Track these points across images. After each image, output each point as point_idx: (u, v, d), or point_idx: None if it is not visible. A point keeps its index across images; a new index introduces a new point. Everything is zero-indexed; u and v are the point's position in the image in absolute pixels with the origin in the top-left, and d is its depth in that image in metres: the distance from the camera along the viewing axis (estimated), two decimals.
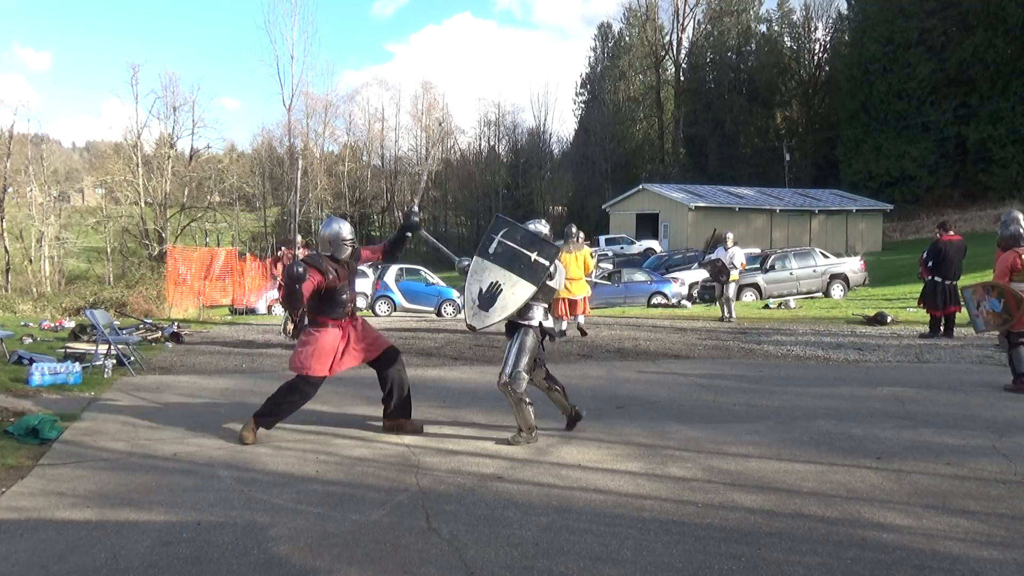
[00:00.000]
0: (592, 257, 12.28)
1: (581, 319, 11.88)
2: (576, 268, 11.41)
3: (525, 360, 5.01)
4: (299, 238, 13.84)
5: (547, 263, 4.92)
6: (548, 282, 5.04)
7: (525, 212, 64.77)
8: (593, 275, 12.14)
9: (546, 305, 5.24)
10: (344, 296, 5.27)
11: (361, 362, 5.44)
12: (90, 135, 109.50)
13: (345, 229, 5.36)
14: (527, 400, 5.04)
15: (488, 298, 4.87)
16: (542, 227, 5.32)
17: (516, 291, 4.87)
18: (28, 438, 5.10)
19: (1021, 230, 7.11)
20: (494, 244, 4.95)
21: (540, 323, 5.13)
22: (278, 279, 13.00)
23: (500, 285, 4.87)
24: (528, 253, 4.93)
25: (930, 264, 11.16)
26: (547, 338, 5.28)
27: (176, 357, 9.73)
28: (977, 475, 4.40)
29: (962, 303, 10.97)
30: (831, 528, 3.58)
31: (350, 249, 5.35)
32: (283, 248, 13.54)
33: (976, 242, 15.02)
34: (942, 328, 10.94)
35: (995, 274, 7.27)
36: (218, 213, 50.45)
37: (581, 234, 12.06)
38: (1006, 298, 6.98)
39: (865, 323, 12.91)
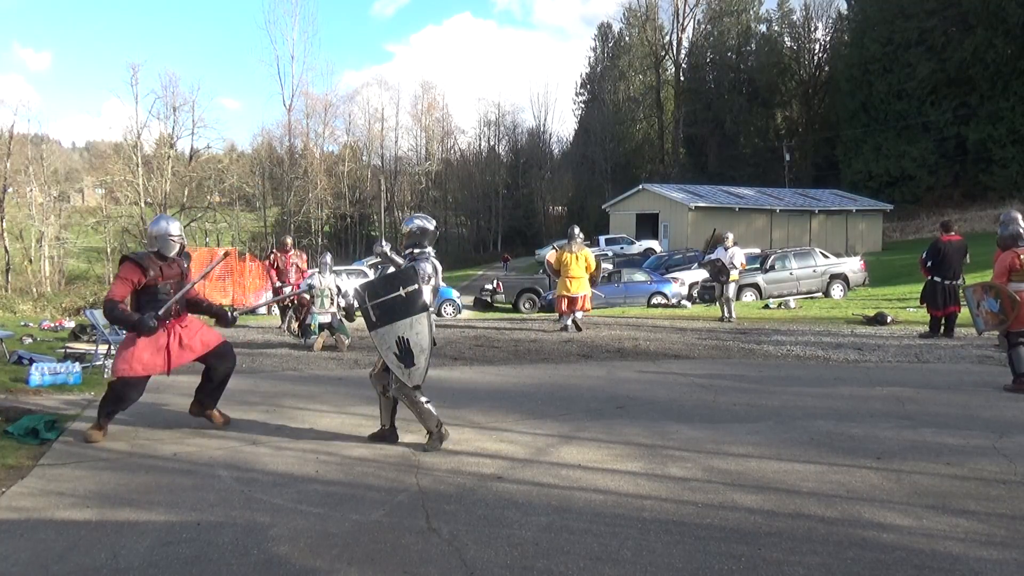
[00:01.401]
0: (592, 258, 12.66)
1: (579, 315, 12.25)
2: (577, 267, 11.98)
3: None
4: (288, 240, 13.76)
5: (414, 286, 4.83)
6: (426, 289, 4.96)
7: (525, 212, 65.01)
8: (599, 274, 12.67)
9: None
10: (167, 295, 5.27)
11: (195, 359, 5.47)
12: (90, 135, 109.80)
13: (173, 227, 5.39)
14: (420, 399, 4.96)
15: (406, 353, 4.79)
16: (421, 222, 5.30)
17: (418, 328, 4.79)
18: (28, 438, 5.10)
19: (1020, 230, 7.11)
20: (371, 314, 4.85)
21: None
22: (277, 281, 13.02)
23: (404, 337, 4.78)
24: (395, 295, 4.82)
25: (929, 264, 11.15)
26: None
27: None
28: (977, 475, 4.39)
29: (963, 303, 11.00)
30: (831, 528, 3.58)
31: (178, 247, 5.38)
32: (275, 252, 13.49)
33: (976, 242, 15.01)
34: (942, 328, 10.94)
35: (994, 274, 7.27)
36: (218, 213, 50.43)
37: (582, 235, 12.64)
38: (1002, 299, 7.00)
39: (865, 323, 12.91)
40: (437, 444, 4.96)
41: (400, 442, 5.20)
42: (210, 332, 5.64)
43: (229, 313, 5.94)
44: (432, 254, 5.28)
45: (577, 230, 12.65)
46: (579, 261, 12.08)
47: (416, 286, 4.83)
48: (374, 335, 4.87)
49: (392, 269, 5.29)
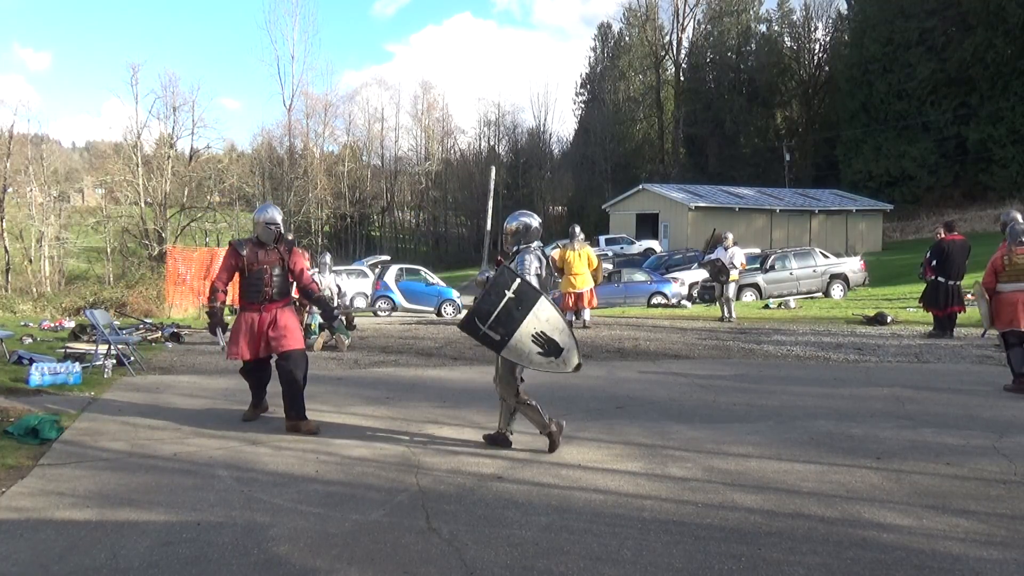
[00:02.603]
0: (594, 256, 13.06)
1: (587, 313, 12.62)
2: (580, 264, 12.36)
3: (512, 373, 4.87)
4: (290, 238, 13.53)
5: (516, 280, 4.69)
6: (532, 280, 4.82)
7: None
8: (602, 272, 12.94)
9: None
10: (264, 280, 5.62)
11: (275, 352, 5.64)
12: (90, 135, 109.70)
13: (270, 215, 5.75)
14: (528, 400, 4.91)
15: (549, 344, 4.65)
16: (526, 219, 5.17)
17: (544, 314, 4.64)
18: (28, 438, 5.10)
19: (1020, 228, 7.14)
20: (491, 336, 4.68)
21: None
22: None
23: (538, 331, 4.64)
24: (504, 300, 4.67)
25: (933, 264, 11.16)
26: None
27: (176, 357, 9.73)
28: (977, 475, 4.39)
29: (967, 303, 11.04)
30: (831, 528, 3.58)
31: (273, 234, 5.70)
32: None
33: (976, 242, 15.01)
34: (953, 326, 10.95)
35: (985, 273, 7.34)
36: (218, 213, 50.38)
37: (583, 234, 13.08)
38: (977, 300, 7.14)
39: (865, 323, 12.90)
40: (558, 441, 4.92)
41: (400, 441, 5.21)
42: (295, 334, 5.72)
43: (332, 309, 6.55)
44: (536, 248, 5.08)
45: (578, 229, 12.98)
46: (581, 259, 12.44)
47: (519, 279, 4.71)
48: (507, 353, 4.68)
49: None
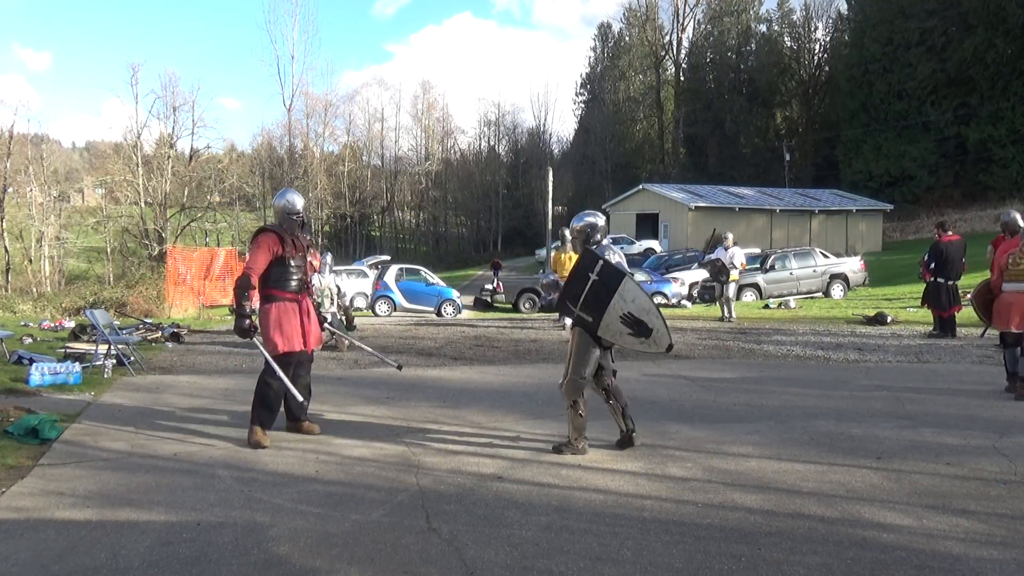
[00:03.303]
0: None
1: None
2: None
3: (585, 364, 4.79)
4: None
5: (599, 261, 4.74)
6: (611, 257, 4.85)
7: (525, 212, 64.95)
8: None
9: None
10: (297, 268, 5.32)
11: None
12: (90, 135, 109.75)
13: (294, 202, 5.42)
14: (580, 411, 4.83)
15: (638, 324, 4.65)
16: (591, 219, 5.19)
17: (631, 294, 4.65)
18: (28, 438, 5.10)
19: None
20: (585, 318, 4.75)
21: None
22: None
23: (626, 312, 4.65)
24: (589, 283, 4.74)
25: (932, 266, 11.17)
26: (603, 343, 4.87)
27: (176, 357, 9.73)
28: (977, 475, 4.39)
29: (964, 303, 11.05)
30: (831, 528, 3.58)
31: (298, 222, 5.41)
32: None
33: (976, 242, 15.02)
34: (955, 326, 10.96)
35: (992, 272, 7.33)
36: (218, 213, 50.38)
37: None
38: (974, 302, 7.17)
39: (865, 323, 12.91)
40: (566, 451, 4.86)
41: (400, 441, 5.20)
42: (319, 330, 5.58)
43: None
44: (607, 245, 5.08)
45: (567, 231, 12.64)
46: (573, 261, 12.09)
47: (601, 261, 4.75)
48: (602, 332, 4.76)
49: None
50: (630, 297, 4.67)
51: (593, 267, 4.75)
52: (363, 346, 6.93)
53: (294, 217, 5.41)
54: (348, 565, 3.19)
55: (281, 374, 5.07)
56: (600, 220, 5.22)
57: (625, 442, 5.02)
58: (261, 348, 5.27)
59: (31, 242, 43.61)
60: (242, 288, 5.06)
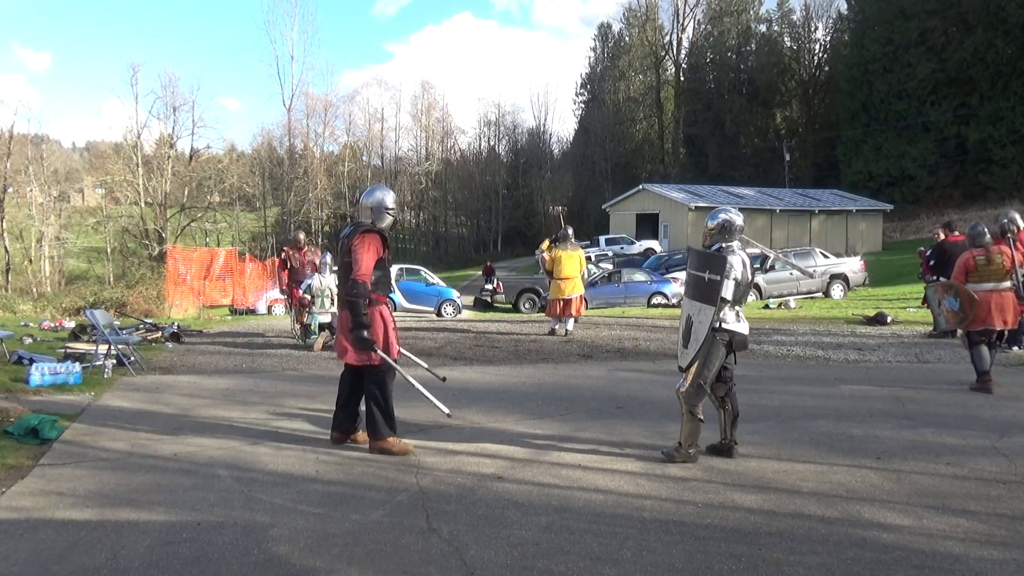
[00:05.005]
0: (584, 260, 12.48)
1: (571, 323, 11.91)
2: (571, 266, 11.69)
3: (711, 368, 4.64)
4: (302, 235, 12.52)
5: (717, 277, 4.52)
6: (726, 288, 4.54)
7: (525, 212, 64.98)
8: (584, 274, 12.35)
9: (739, 308, 4.74)
10: (387, 269, 4.97)
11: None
12: (90, 135, 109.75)
13: (389, 198, 5.04)
14: (699, 415, 4.67)
15: (687, 333, 4.63)
16: (726, 216, 4.88)
17: (701, 318, 4.58)
18: (28, 438, 5.09)
19: (983, 230, 7.29)
20: (688, 280, 4.77)
21: (725, 327, 4.62)
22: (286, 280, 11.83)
23: (691, 317, 4.64)
24: (701, 275, 4.64)
25: (932, 264, 11.16)
26: (734, 348, 4.71)
27: (176, 357, 9.73)
28: (977, 475, 4.40)
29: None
30: (831, 528, 3.58)
31: (392, 220, 5.03)
32: (286, 249, 12.64)
33: None
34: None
35: (953, 273, 7.39)
36: (218, 213, 50.39)
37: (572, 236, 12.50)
38: (961, 298, 7.12)
39: (865, 323, 12.90)
40: (677, 458, 4.67)
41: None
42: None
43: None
44: (739, 248, 4.80)
45: (571, 231, 12.45)
46: (573, 260, 11.79)
47: (718, 278, 4.52)
48: (684, 301, 4.88)
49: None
50: (701, 319, 4.61)
51: (714, 272, 4.58)
52: (409, 355, 5.96)
53: (391, 213, 4.99)
54: (348, 565, 3.19)
55: (407, 375, 4.86)
56: (738, 219, 4.87)
57: (720, 450, 4.84)
58: (383, 356, 4.84)
59: (31, 242, 43.64)
60: (363, 297, 4.66)
